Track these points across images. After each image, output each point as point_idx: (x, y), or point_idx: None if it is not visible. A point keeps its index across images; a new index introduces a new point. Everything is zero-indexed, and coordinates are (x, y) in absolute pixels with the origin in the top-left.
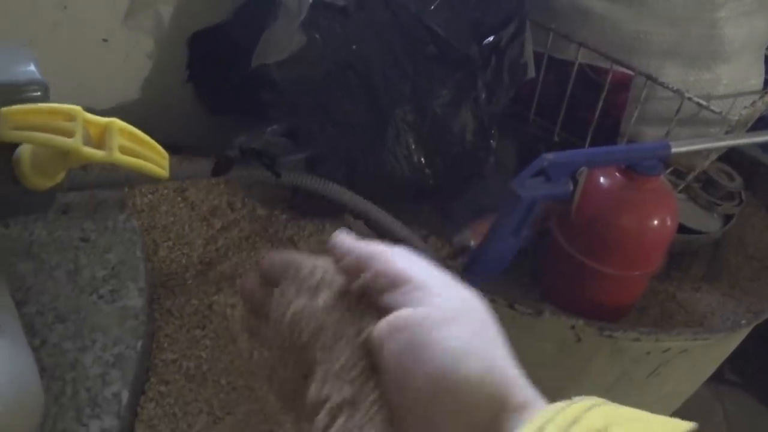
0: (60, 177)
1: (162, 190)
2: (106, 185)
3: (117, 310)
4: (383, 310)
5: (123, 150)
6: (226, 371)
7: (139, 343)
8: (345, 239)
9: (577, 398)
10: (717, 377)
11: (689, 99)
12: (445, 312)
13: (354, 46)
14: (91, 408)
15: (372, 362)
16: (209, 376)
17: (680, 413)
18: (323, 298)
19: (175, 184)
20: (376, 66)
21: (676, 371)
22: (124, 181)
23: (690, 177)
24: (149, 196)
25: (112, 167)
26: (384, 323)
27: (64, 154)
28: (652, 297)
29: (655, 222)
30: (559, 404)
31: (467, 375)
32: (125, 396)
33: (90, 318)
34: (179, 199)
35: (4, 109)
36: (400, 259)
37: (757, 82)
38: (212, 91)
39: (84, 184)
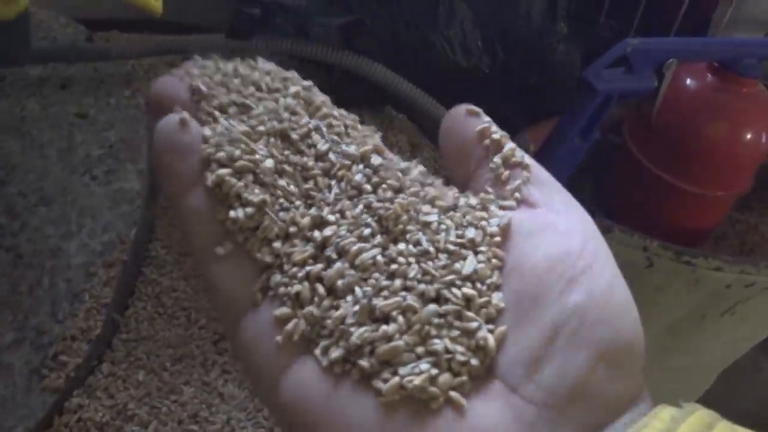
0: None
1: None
2: (110, 56)
3: (111, 192)
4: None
5: None
6: None
7: (133, 231)
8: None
9: (687, 405)
10: None
11: None
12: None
13: None
14: (70, 303)
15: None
16: None
17: None
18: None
19: None
20: None
21: (755, 312)
22: (131, 52)
23: None
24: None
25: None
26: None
27: None
28: (730, 227)
29: (749, 134)
30: (669, 411)
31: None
32: (111, 291)
33: (79, 201)
34: None
35: None
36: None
37: None
38: None
39: (85, 53)
